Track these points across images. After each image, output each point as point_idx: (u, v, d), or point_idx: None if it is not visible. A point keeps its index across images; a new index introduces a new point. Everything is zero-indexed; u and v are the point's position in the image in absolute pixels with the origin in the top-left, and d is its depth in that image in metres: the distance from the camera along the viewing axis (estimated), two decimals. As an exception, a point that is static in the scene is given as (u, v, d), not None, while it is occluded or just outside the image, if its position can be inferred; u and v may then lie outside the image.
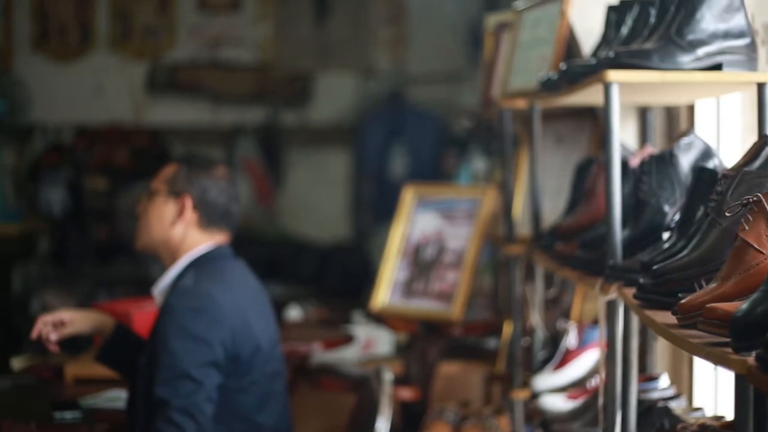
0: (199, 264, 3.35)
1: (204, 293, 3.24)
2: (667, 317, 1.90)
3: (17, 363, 4.60)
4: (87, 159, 7.42)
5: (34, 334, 3.48)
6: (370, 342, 4.87)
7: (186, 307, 3.22)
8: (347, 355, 4.73)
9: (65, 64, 7.62)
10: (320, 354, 4.43)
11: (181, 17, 7.66)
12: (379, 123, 7.58)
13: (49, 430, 3.52)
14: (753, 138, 2.27)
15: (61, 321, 3.48)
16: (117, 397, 3.67)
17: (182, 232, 3.37)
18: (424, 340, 4.50)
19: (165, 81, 7.66)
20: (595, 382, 3.05)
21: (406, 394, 4.24)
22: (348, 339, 4.50)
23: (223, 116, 7.67)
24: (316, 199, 7.72)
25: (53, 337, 3.47)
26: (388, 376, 3.33)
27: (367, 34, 7.72)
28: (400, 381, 4.20)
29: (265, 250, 7.15)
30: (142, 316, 4.06)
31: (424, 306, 4.42)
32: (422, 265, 4.48)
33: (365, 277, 6.83)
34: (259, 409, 3.33)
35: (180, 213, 3.36)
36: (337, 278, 7.18)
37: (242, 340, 3.27)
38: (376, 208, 7.49)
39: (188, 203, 3.35)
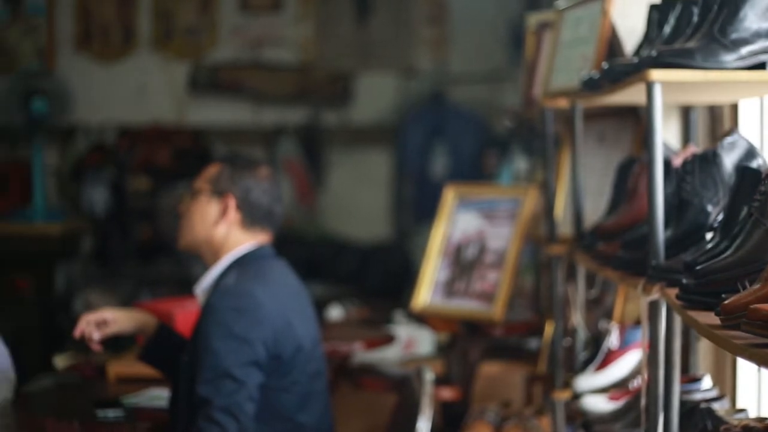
0: (241, 263, 3.37)
1: (246, 293, 3.25)
2: (710, 318, 1.89)
3: (60, 361, 4.64)
4: (129, 159, 7.46)
5: (77, 333, 3.50)
6: (411, 342, 4.87)
7: (228, 306, 3.23)
8: (388, 355, 4.73)
9: (108, 64, 7.66)
10: (361, 354, 4.43)
11: (223, 17, 7.68)
12: (421, 123, 7.57)
13: (91, 429, 3.54)
14: (797, 137, 2.25)
15: (103, 320, 3.50)
16: (159, 396, 3.69)
17: (225, 232, 3.38)
18: (465, 340, 4.49)
19: (207, 81, 7.69)
20: (637, 383, 3.03)
21: (447, 394, 4.24)
22: (389, 339, 4.50)
23: (265, 116, 7.69)
24: (357, 199, 7.73)
25: (96, 336, 3.49)
26: (429, 376, 3.33)
27: (409, 34, 7.72)
28: (441, 381, 4.20)
29: (306, 250, 7.17)
30: (184, 316, 4.08)
31: (465, 306, 4.41)
32: (463, 265, 4.48)
33: (406, 276, 6.82)
34: (300, 409, 3.34)
35: (223, 213, 3.37)
36: (378, 278, 7.18)
37: (284, 339, 3.27)
38: (417, 208, 7.48)
39: (231, 203, 3.36)
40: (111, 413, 3.60)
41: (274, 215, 3.43)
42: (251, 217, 3.40)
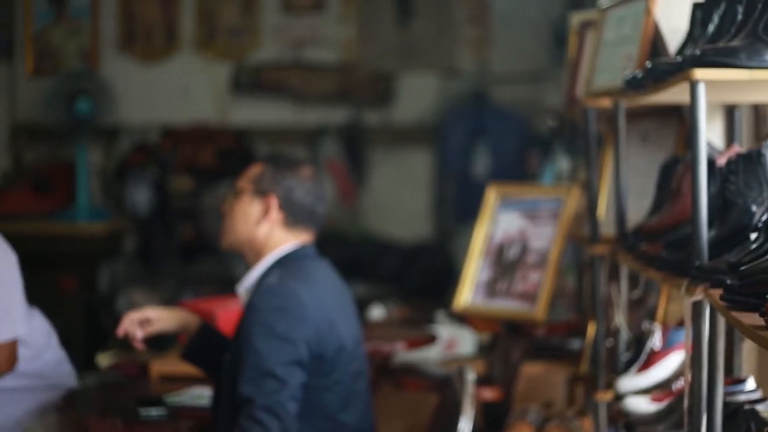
0: (283, 263, 3.37)
1: (289, 292, 3.26)
2: (754, 319, 1.88)
3: (104, 360, 4.67)
4: (172, 159, 7.50)
5: (121, 331, 3.52)
6: (453, 342, 4.86)
7: (271, 306, 3.24)
8: (430, 355, 4.73)
9: (151, 65, 7.71)
10: (403, 354, 4.43)
11: (266, 18, 7.71)
12: (462, 123, 7.56)
13: (134, 427, 3.56)
14: (843, 137, 2.23)
15: (147, 319, 3.52)
16: (201, 395, 3.70)
17: (267, 232, 3.39)
18: (506, 341, 4.48)
19: (249, 81, 7.72)
20: (680, 384, 3.01)
21: (489, 394, 4.23)
22: (431, 339, 4.49)
23: (307, 116, 7.71)
24: (398, 199, 7.73)
25: (139, 334, 3.51)
26: (470, 376, 3.33)
27: (450, 34, 7.71)
28: (482, 381, 4.19)
29: (347, 250, 7.17)
30: (227, 315, 4.10)
31: (507, 306, 4.40)
32: (505, 265, 4.47)
33: (448, 276, 6.81)
34: (342, 408, 3.34)
35: (265, 212, 3.38)
36: (419, 278, 7.17)
37: (326, 338, 3.28)
38: (459, 208, 7.47)
39: (273, 203, 3.37)
40: (154, 412, 3.62)
41: (316, 215, 3.43)
42: (293, 216, 3.40)
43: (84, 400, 3.86)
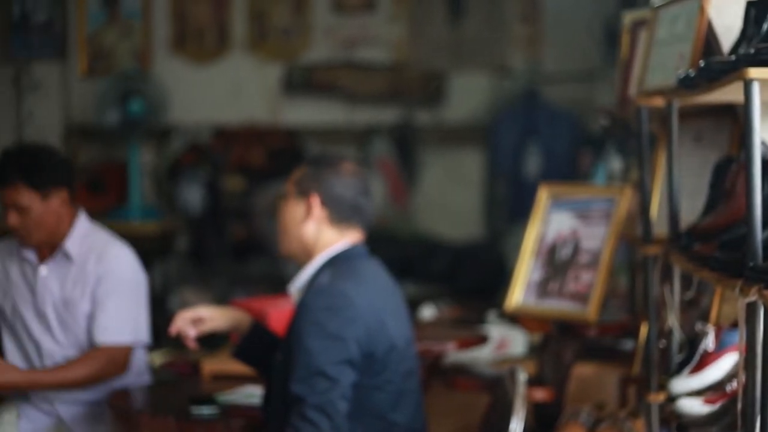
0: (334, 263, 3.38)
1: (339, 292, 3.27)
2: (809, 320, 1.85)
3: (156, 359, 4.70)
4: (224, 159, 7.54)
5: (173, 330, 3.56)
6: (504, 342, 4.85)
7: (322, 305, 3.25)
8: (481, 355, 4.72)
9: (203, 65, 7.75)
10: (454, 354, 4.43)
11: (317, 18, 7.72)
12: (514, 122, 7.54)
13: (186, 425, 3.58)
14: None
15: (199, 318, 3.56)
16: (252, 394, 3.72)
17: (314, 231, 3.41)
18: (558, 341, 4.46)
19: (300, 81, 7.74)
20: (733, 386, 2.99)
21: (540, 395, 4.21)
22: (483, 339, 4.48)
23: (358, 116, 7.72)
24: (449, 198, 7.72)
25: (192, 333, 3.55)
26: (522, 376, 3.31)
27: (502, 33, 7.69)
28: (533, 382, 4.18)
29: (398, 249, 7.17)
30: (278, 314, 4.11)
31: (558, 306, 4.38)
32: (557, 265, 4.44)
33: (499, 276, 6.80)
34: (393, 408, 3.34)
35: (308, 211, 3.40)
36: (470, 277, 7.16)
37: (377, 338, 3.28)
38: (510, 208, 7.45)
39: (315, 200, 3.39)
40: (206, 410, 3.64)
41: (361, 209, 3.44)
42: (338, 212, 3.42)
43: (136, 398, 3.88)
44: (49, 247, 4.02)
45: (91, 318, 3.95)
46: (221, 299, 6.17)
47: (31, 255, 4.04)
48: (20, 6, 7.48)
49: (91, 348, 3.92)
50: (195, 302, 5.52)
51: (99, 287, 3.97)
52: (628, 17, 4.31)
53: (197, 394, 3.80)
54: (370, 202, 3.48)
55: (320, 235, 3.42)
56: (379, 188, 7.56)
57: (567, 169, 7.04)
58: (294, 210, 3.44)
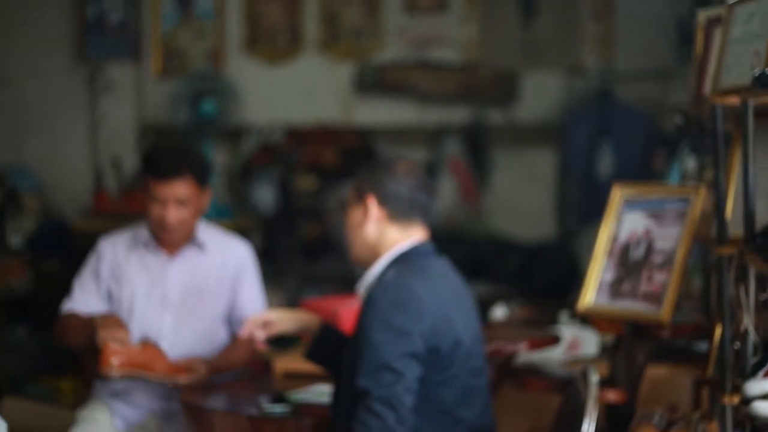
0: (401, 261, 3.41)
1: (405, 287, 3.29)
2: None
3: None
4: (296, 158, 7.57)
5: (244, 333, 3.65)
6: (576, 343, 4.82)
7: (388, 300, 3.28)
8: (552, 356, 4.70)
9: (275, 65, 7.79)
10: (525, 354, 4.41)
11: (388, 19, 7.73)
12: (586, 121, 7.49)
13: (258, 423, 3.61)
14: None
15: (268, 321, 3.63)
16: (323, 392, 3.74)
17: (376, 231, 3.45)
18: (631, 342, 4.42)
19: (372, 81, 7.75)
20: (810, 388, 2.95)
21: (612, 396, 4.18)
22: (555, 339, 4.46)
23: (429, 116, 7.71)
24: (521, 198, 7.69)
25: (261, 336, 3.63)
26: (594, 377, 3.29)
27: (574, 32, 7.65)
28: (605, 383, 4.15)
29: (470, 249, 7.16)
30: (349, 314, 4.13)
31: (631, 307, 4.34)
32: (630, 265, 4.41)
33: (571, 276, 6.76)
34: (459, 404, 3.35)
35: (366, 212, 3.43)
36: (542, 278, 7.13)
37: (442, 333, 3.30)
38: (583, 208, 7.41)
39: (371, 201, 3.43)
40: (278, 408, 3.66)
41: (420, 205, 3.47)
42: (396, 210, 3.45)
43: (210, 396, 3.92)
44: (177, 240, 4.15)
45: (232, 307, 4.15)
46: (293, 298, 6.21)
47: (161, 248, 4.14)
48: (95, 7, 7.57)
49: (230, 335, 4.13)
50: (268, 299, 5.55)
51: (238, 277, 4.17)
52: (703, 15, 4.27)
53: (270, 392, 3.83)
54: (430, 198, 3.50)
55: (383, 235, 3.45)
56: (450, 188, 7.55)
57: (640, 169, 6.98)
58: (355, 215, 3.49)
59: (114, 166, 7.54)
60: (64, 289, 4.24)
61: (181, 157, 4.11)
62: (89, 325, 3.96)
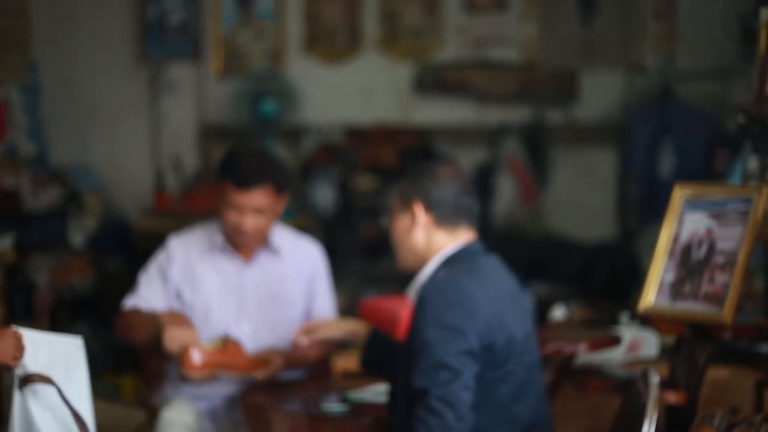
0: (450, 262, 3.44)
1: (457, 285, 3.31)
2: None
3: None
4: (355, 158, 7.58)
5: (295, 340, 3.73)
6: (636, 344, 4.79)
7: (440, 298, 3.30)
8: (612, 357, 4.67)
9: (334, 65, 7.81)
10: (584, 355, 4.39)
11: (448, 18, 7.73)
12: (647, 121, 7.44)
13: (317, 422, 3.62)
14: None
15: (314, 327, 3.71)
16: (381, 392, 3.75)
17: (424, 237, 3.50)
18: (692, 343, 4.39)
19: (431, 81, 7.75)
20: None
21: (673, 397, 4.15)
22: (616, 340, 4.43)
23: (489, 115, 7.70)
24: (581, 198, 7.65)
25: (304, 342, 3.72)
26: (655, 378, 3.27)
27: (634, 30, 7.60)
28: (666, 384, 4.12)
29: (529, 250, 7.14)
30: (407, 313, 4.12)
31: (692, 308, 4.31)
32: (691, 266, 4.38)
33: (631, 277, 6.71)
34: (515, 399, 3.36)
35: (413, 219, 3.47)
36: (602, 278, 7.09)
37: (496, 330, 3.31)
38: (643, 207, 7.36)
39: (418, 207, 3.48)
40: (337, 407, 3.67)
41: (465, 208, 3.51)
42: (443, 214, 3.48)
43: (268, 394, 3.93)
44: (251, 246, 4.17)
45: (308, 309, 4.18)
46: (352, 298, 6.21)
47: (236, 253, 4.15)
48: (156, 8, 7.63)
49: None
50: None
51: (313, 280, 4.17)
52: (765, 13, 4.23)
53: (329, 391, 3.85)
54: (474, 201, 3.54)
55: (431, 240, 3.49)
56: (509, 188, 7.53)
57: (702, 169, 6.92)
58: (401, 223, 3.53)
59: (174, 165, 7.60)
60: (126, 287, 4.26)
61: (262, 165, 4.05)
62: (154, 322, 3.96)
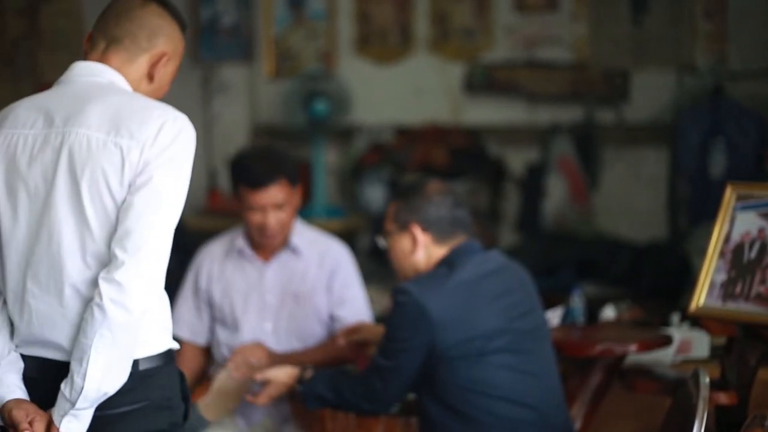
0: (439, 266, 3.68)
1: (411, 302, 3.49)
2: None
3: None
4: (406, 158, 7.61)
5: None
6: (686, 344, 4.79)
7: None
8: (662, 357, 4.67)
9: (386, 65, 7.84)
10: (634, 355, 4.39)
11: (498, 18, 7.73)
12: (698, 120, 7.41)
13: (366, 421, 3.66)
14: None
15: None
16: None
17: (424, 255, 3.68)
18: (743, 344, 4.38)
19: (482, 81, 7.76)
20: None
21: (723, 398, 4.15)
22: (667, 341, 4.43)
23: (539, 115, 7.70)
24: (631, 198, 7.63)
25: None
26: (705, 379, 3.28)
27: (685, 30, 7.57)
28: (716, 385, 4.12)
29: (579, 250, 7.13)
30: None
31: (743, 309, 4.30)
32: (743, 266, 4.37)
33: (682, 278, 6.70)
34: (516, 389, 3.55)
35: (414, 241, 3.58)
36: (652, 278, 7.07)
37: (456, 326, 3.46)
38: (694, 208, 7.33)
39: (416, 229, 3.59)
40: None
41: (459, 219, 3.65)
42: (439, 231, 3.63)
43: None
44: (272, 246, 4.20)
45: (331, 307, 4.18)
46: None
47: (255, 253, 4.18)
48: (209, 10, 7.70)
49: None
50: (377, 299, 5.60)
51: (334, 277, 4.16)
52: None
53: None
54: (466, 210, 3.67)
55: (431, 256, 3.64)
56: (560, 188, 7.53)
57: (753, 169, 6.89)
58: (401, 244, 3.65)
59: (227, 165, 7.66)
60: (178, 285, 4.31)
61: (270, 161, 4.08)
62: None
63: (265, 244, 4.14)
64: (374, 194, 7.51)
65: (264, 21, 7.77)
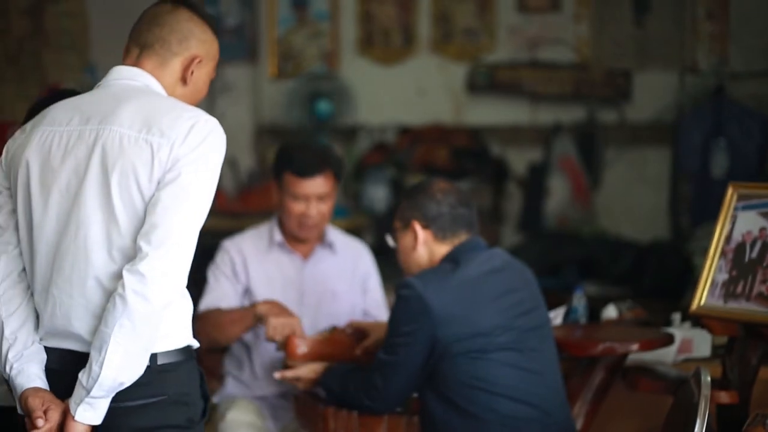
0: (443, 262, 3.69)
1: (414, 296, 3.50)
2: None
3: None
4: (408, 158, 7.63)
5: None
6: (688, 344, 4.81)
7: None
8: (664, 357, 4.69)
9: (388, 66, 7.85)
10: (635, 354, 4.41)
11: (501, 19, 7.75)
12: (700, 121, 7.42)
13: (369, 420, 3.67)
14: None
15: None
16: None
17: (426, 251, 3.69)
18: (744, 344, 4.40)
19: (484, 81, 7.78)
20: None
21: (725, 397, 4.17)
22: (668, 340, 4.45)
23: (541, 115, 7.71)
24: (634, 198, 7.65)
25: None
26: (707, 378, 3.29)
27: (688, 31, 7.59)
28: (718, 384, 4.14)
29: (581, 249, 7.15)
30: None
31: (745, 308, 4.32)
32: (744, 266, 4.39)
33: (683, 277, 6.71)
34: (516, 385, 3.57)
35: (415, 237, 3.61)
36: (654, 278, 7.09)
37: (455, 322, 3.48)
38: (696, 207, 7.34)
39: (417, 225, 3.62)
40: (390, 405, 3.71)
41: (461, 217, 3.66)
42: (440, 228, 3.65)
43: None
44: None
45: (363, 308, 4.23)
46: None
47: (294, 250, 4.20)
48: (213, 11, 7.72)
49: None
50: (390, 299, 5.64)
51: (366, 279, 4.28)
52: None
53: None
54: (471, 210, 3.69)
55: (433, 253, 3.66)
56: (562, 188, 7.55)
57: (755, 169, 6.90)
58: (405, 241, 3.70)
59: (230, 165, 7.68)
60: (197, 286, 4.30)
61: (319, 153, 4.14)
62: (249, 315, 3.96)
63: (302, 237, 4.15)
64: (377, 194, 7.53)
65: (267, 21, 7.78)
